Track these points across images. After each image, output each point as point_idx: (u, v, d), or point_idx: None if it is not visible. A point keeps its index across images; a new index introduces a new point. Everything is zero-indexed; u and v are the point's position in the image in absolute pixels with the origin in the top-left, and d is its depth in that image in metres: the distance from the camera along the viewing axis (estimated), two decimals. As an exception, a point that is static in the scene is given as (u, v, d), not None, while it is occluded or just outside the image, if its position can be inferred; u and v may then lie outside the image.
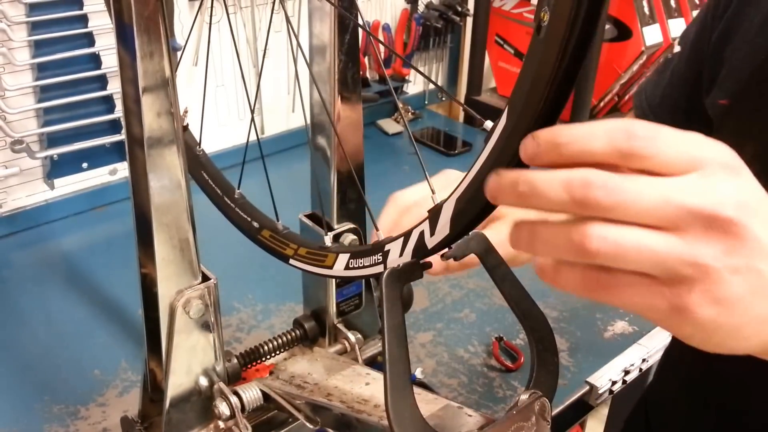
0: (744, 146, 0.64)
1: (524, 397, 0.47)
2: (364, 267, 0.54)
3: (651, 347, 1.01)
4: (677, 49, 0.78)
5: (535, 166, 0.36)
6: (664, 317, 0.36)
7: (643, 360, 1.00)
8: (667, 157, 0.34)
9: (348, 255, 0.57)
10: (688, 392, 0.81)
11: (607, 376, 0.96)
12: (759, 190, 0.35)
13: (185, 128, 0.79)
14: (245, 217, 0.73)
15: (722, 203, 0.33)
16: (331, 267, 0.57)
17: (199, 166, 0.78)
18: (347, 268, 0.57)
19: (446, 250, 0.48)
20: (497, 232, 0.55)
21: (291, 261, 0.66)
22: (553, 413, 0.90)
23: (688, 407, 0.82)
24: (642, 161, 0.34)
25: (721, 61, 0.69)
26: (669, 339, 0.94)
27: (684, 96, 0.77)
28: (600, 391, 0.94)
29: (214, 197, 0.77)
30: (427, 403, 0.54)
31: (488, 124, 0.40)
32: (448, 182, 0.47)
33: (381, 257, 0.51)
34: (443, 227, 0.44)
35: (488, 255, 0.51)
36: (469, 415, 0.51)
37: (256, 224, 0.69)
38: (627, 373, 0.98)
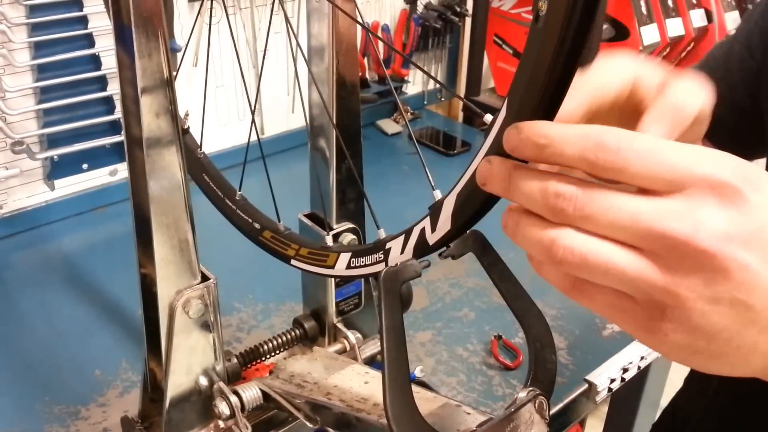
0: None
1: (522, 394, 0.47)
2: (365, 266, 0.54)
3: (650, 346, 1.01)
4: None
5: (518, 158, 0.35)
6: (638, 334, 0.34)
7: (642, 358, 1.00)
8: (640, 173, 0.32)
9: (349, 254, 0.57)
10: (714, 400, 0.80)
11: (606, 375, 0.96)
12: (763, 217, 0.31)
13: (186, 131, 0.79)
14: (246, 218, 0.73)
15: (698, 232, 0.30)
16: (332, 267, 0.57)
17: (200, 169, 0.78)
18: (349, 267, 0.57)
19: (444, 249, 0.48)
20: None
21: (292, 262, 0.67)
22: (552, 411, 0.90)
23: (715, 416, 0.81)
24: (611, 174, 0.32)
25: None
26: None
27: (738, 84, 0.72)
28: (599, 389, 0.95)
29: (215, 199, 0.77)
30: (426, 402, 0.54)
31: (488, 117, 0.40)
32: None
33: (382, 255, 0.51)
34: (444, 223, 0.44)
35: (485, 253, 0.52)
36: (468, 413, 0.52)
37: (257, 225, 0.70)
38: (626, 371, 0.98)
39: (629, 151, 0.31)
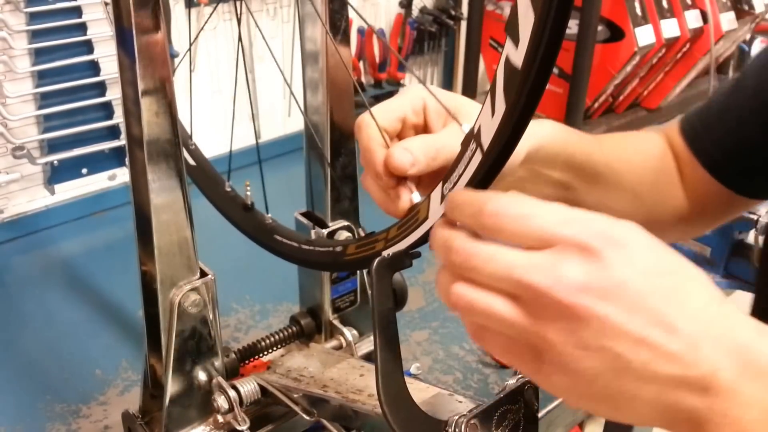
0: None
1: (512, 381, 0.49)
2: (462, 173, 0.45)
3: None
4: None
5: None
6: (529, 376, 0.39)
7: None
8: (515, 235, 0.37)
9: (439, 187, 0.47)
10: None
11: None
12: (621, 273, 0.35)
13: (248, 208, 0.79)
14: (326, 249, 0.66)
15: (557, 284, 0.35)
16: (427, 216, 0.48)
17: (271, 232, 0.75)
18: (443, 198, 0.46)
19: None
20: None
21: (385, 252, 0.54)
22: (549, 408, 0.92)
23: None
24: (493, 234, 0.38)
25: None
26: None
27: (748, 117, 0.70)
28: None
29: (288, 253, 0.73)
30: (419, 392, 0.55)
31: (465, 127, 0.43)
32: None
33: (475, 143, 0.44)
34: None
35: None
36: (460, 401, 0.53)
37: (339, 248, 0.63)
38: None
39: (506, 216, 0.38)
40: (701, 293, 0.36)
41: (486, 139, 0.41)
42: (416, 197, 0.51)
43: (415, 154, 0.51)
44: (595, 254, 0.35)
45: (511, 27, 0.37)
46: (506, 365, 0.51)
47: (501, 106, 0.39)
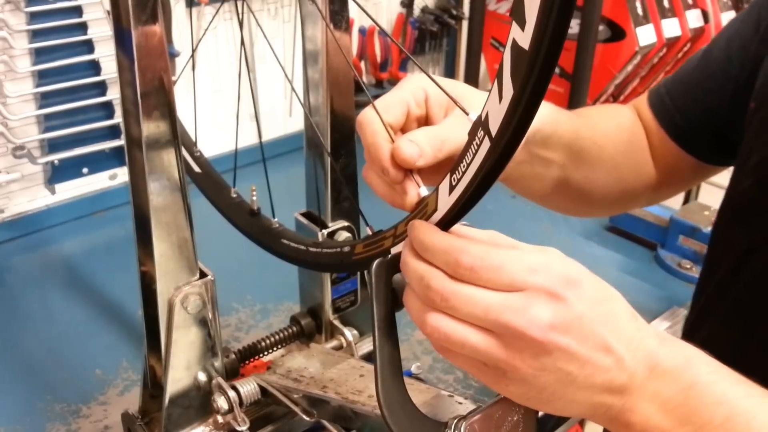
0: (751, 155, 0.64)
1: (511, 383, 0.49)
2: (469, 164, 0.44)
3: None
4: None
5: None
6: (488, 383, 0.45)
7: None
8: (489, 282, 0.42)
9: (447, 178, 0.46)
10: None
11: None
12: (578, 309, 0.42)
13: (255, 213, 0.79)
14: (335, 250, 0.66)
15: (531, 325, 0.41)
16: (436, 208, 0.47)
17: (278, 236, 0.75)
18: (452, 187, 0.46)
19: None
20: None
21: (393, 249, 0.55)
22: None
23: None
24: (470, 279, 0.43)
25: (761, 61, 0.67)
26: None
27: (715, 89, 0.73)
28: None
29: (296, 257, 0.73)
30: (418, 393, 0.55)
31: (473, 115, 0.42)
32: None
33: (482, 131, 0.43)
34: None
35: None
36: (460, 403, 0.53)
37: (347, 248, 0.63)
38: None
39: (480, 268, 0.42)
40: (624, 313, 0.45)
41: (494, 126, 0.40)
42: (423, 190, 0.51)
43: (421, 146, 0.51)
44: (559, 297, 0.42)
45: (517, 11, 0.37)
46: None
47: (509, 91, 0.38)
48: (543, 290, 0.42)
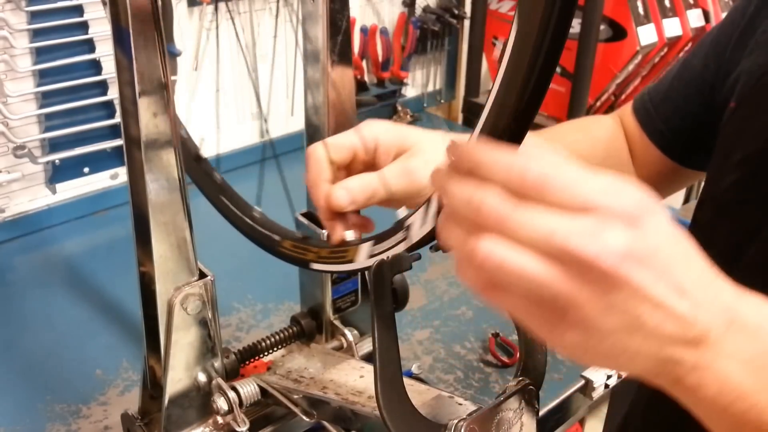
0: (734, 152, 0.65)
1: (512, 384, 0.49)
2: (389, 248, 0.51)
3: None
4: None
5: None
6: (538, 331, 0.39)
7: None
8: (558, 199, 0.36)
9: (370, 242, 0.54)
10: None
11: (603, 370, 0.97)
12: (655, 240, 0.37)
13: (200, 158, 0.79)
14: (266, 232, 0.71)
15: (603, 252, 0.35)
16: (353, 260, 0.54)
17: (218, 191, 0.77)
18: (372, 255, 0.53)
19: (435, 242, 0.49)
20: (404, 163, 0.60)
21: (313, 265, 0.64)
22: (549, 408, 0.92)
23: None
24: (535, 197, 0.36)
25: (737, 64, 0.69)
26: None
27: (693, 95, 0.76)
28: (595, 386, 0.95)
29: (233, 219, 0.77)
30: (418, 394, 0.55)
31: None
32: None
33: (404, 233, 0.49)
34: None
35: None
36: (460, 404, 0.53)
37: (277, 237, 0.68)
38: (622, 367, 0.99)
39: (548, 186, 0.36)
40: (699, 259, 0.39)
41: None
42: (349, 235, 0.56)
43: (353, 194, 0.57)
44: (636, 222, 0.36)
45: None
46: (518, 327, 0.51)
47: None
48: (618, 214, 0.36)
